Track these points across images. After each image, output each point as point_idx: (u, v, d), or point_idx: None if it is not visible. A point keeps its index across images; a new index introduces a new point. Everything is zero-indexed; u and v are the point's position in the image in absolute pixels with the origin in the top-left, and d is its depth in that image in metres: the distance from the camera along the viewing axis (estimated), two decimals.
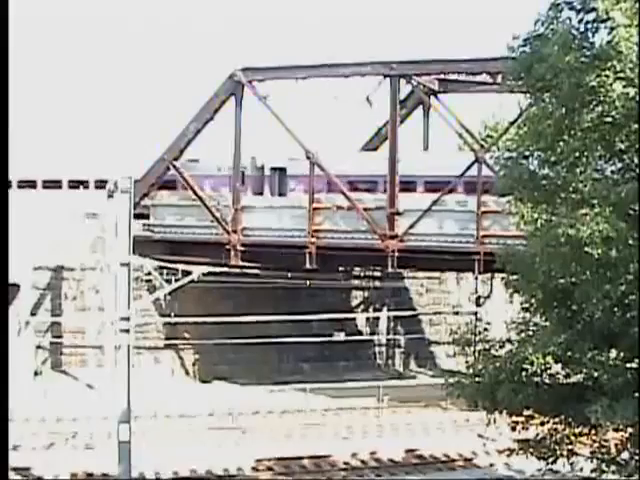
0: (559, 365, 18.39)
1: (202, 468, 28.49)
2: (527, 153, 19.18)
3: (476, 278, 42.92)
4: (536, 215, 19.01)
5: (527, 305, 19.64)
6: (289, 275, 39.47)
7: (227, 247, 39.93)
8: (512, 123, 36.95)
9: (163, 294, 39.97)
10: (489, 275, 42.00)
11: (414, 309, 47.01)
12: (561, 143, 18.01)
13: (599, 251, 16.55)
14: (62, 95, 64.50)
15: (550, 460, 19.83)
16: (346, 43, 68.05)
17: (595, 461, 19.47)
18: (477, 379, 19.50)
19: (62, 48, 73.20)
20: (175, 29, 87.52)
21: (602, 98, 16.84)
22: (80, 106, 62.63)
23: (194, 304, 39.77)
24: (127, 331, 22.72)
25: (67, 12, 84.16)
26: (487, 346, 20.12)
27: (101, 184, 42.50)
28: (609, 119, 16.99)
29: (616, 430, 18.30)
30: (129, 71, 74.30)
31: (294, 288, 39.98)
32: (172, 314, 40.29)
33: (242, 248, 39.89)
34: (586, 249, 16.65)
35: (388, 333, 47.02)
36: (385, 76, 38.18)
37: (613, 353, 17.61)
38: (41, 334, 39.51)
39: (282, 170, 41.06)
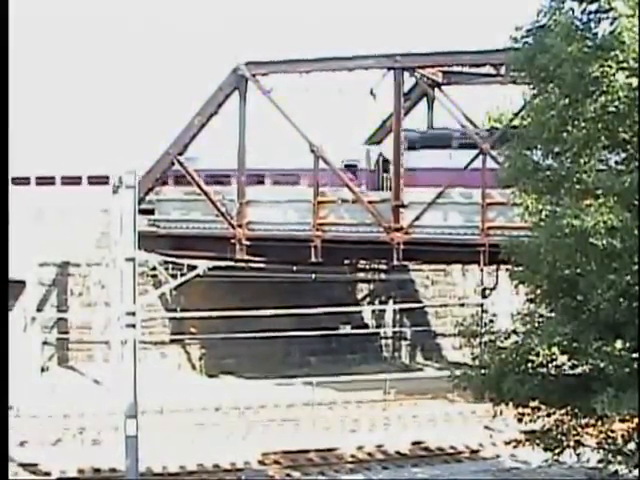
0: (565, 356, 18.41)
1: (209, 462, 28.54)
2: (531, 144, 19.21)
3: (481, 270, 42.89)
4: (540, 206, 19.02)
5: (532, 296, 19.68)
6: (295, 269, 39.48)
7: (232, 241, 39.94)
8: (516, 114, 36.94)
9: (169, 289, 40.04)
10: (495, 267, 41.96)
11: (420, 301, 47.03)
12: (565, 134, 18.02)
13: (604, 241, 16.57)
14: (65, 93, 64.57)
15: (556, 451, 19.88)
16: (349, 40, 68.06)
17: (601, 452, 19.50)
18: (483, 371, 19.54)
19: (62, 48, 73.24)
20: (178, 25, 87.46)
21: (605, 88, 16.86)
22: (84, 103, 62.72)
23: (200, 299, 39.78)
24: (133, 326, 22.71)
25: (67, 12, 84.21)
26: (493, 337, 20.17)
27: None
28: (612, 109, 17.00)
29: (622, 421, 18.33)
30: (132, 67, 74.36)
31: (300, 282, 39.98)
32: (178, 309, 40.34)
33: (247, 242, 39.88)
34: (591, 239, 16.67)
35: (394, 326, 47.06)
36: (389, 69, 38.12)
37: (619, 343, 17.63)
38: (47, 330, 39.54)
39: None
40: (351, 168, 40.93)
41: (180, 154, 41.04)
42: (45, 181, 47.90)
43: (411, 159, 38.83)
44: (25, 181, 46.05)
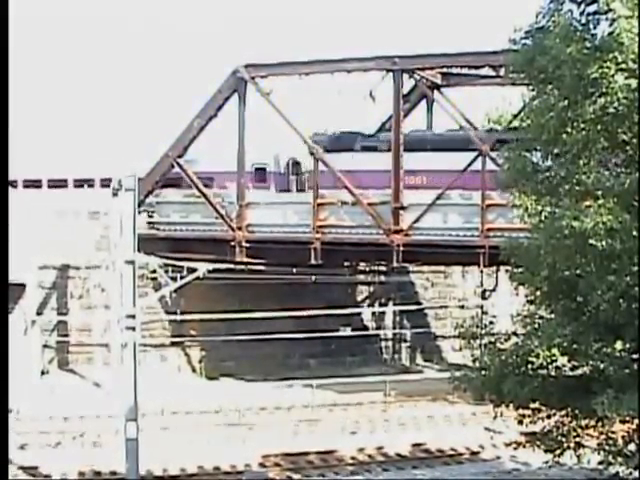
0: (565, 357, 18.39)
1: (209, 464, 28.55)
2: (530, 145, 19.23)
3: (481, 271, 42.90)
4: (540, 207, 19.01)
5: (532, 297, 19.67)
6: (294, 271, 39.47)
7: (232, 244, 39.93)
8: (515, 116, 37.02)
9: (168, 291, 40.04)
10: (494, 268, 41.96)
11: (420, 303, 47.00)
12: (564, 135, 18.01)
13: (603, 243, 16.56)
14: (64, 94, 64.63)
15: (557, 453, 19.86)
16: (348, 41, 68.19)
17: (602, 453, 19.49)
18: (483, 372, 19.52)
19: (62, 48, 73.32)
20: (177, 27, 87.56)
21: (604, 90, 16.85)
22: (83, 105, 62.76)
23: (199, 301, 39.78)
24: (133, 329, 22.74)
25: (67, 12, 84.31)
26: (493, 339, 20.16)
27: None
28: (611, 110, 16.99)
29: (623, 422, 18.31)
30: (132, 70, 74.46)
31: (299, 284, 39.98)
32: (178, 311, 40.32)
33: (247, 244, 39.87)
34: (590, 241, 16.66)
35: (394, 327, 47.04)
36: (388, 71, 38.12)
37: (619, 345, 17.61)
38: (47, 333, 39.57)
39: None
40: (260, 171, 41.61)
41: (179, 156, 41.03)
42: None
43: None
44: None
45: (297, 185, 41.87)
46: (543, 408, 19.60)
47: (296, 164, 42.16)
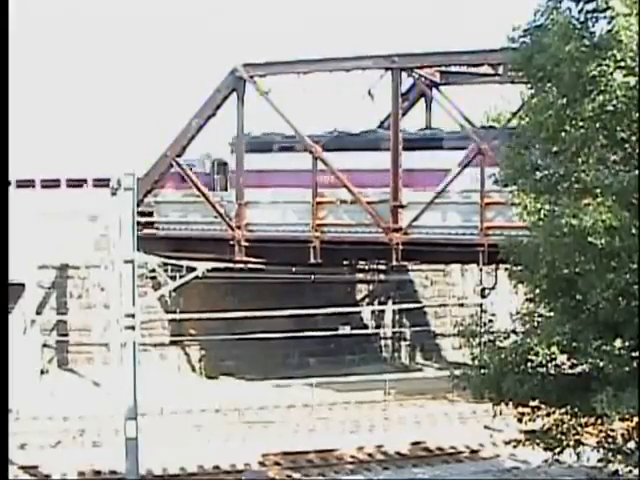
0: (564, 355, 18.41)
1: (209, 464, 28.54)
2: (529, 144, 19.23)
3: (480, 270, 42.85)
4: (539, 206, 19.00)
5: (531, 296, 19.67)
6: (294, 270, 39.47)
7: (231, 243, 39.94)
8: (514, 114, 37.04)
9: (168, 291, 40.04)
10: (494, 266, 41.93)
11: (419, 302, 47.00)
12: (563, 133, 18.01)
13: (602, 241, 16.57)
14: (63, 94, 64.57)
15: (556, 450, 19.86)
16: (347, 40, 68.06)
17: (601, 451, 19.51)
18: (483, 371, 19.52)
19: (62, 48, 73.28)
20: (176, 26, 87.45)
21: (603, 87, 16.86)
22: (82, 104, 62.71)
23: (199, 300, 39.79)
24: (132, 328, 22.75)
25: (68, 12, 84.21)
26: (492, 337, 20.16)
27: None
28: (610, 108, 16.99)
29: (622, 420, 18.30)
30: (130, 69, 74.36)
31: (299, 283, 39.97)
32: (177, 310, 40.32)
33: (246, 243, 39.87)
34: (589, 239, 16.66)
35: (394, 326, 47.03)
36: (386, 69, 38.10)
37: (618, 342, 17.60)
38: (47, 332, 39.55)
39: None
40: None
41: (178, 156, 41.04)
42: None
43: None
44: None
45: (221, 184, 42.17)
46: (542, 406, 19.61)
47: (222, 164, 42.39)
